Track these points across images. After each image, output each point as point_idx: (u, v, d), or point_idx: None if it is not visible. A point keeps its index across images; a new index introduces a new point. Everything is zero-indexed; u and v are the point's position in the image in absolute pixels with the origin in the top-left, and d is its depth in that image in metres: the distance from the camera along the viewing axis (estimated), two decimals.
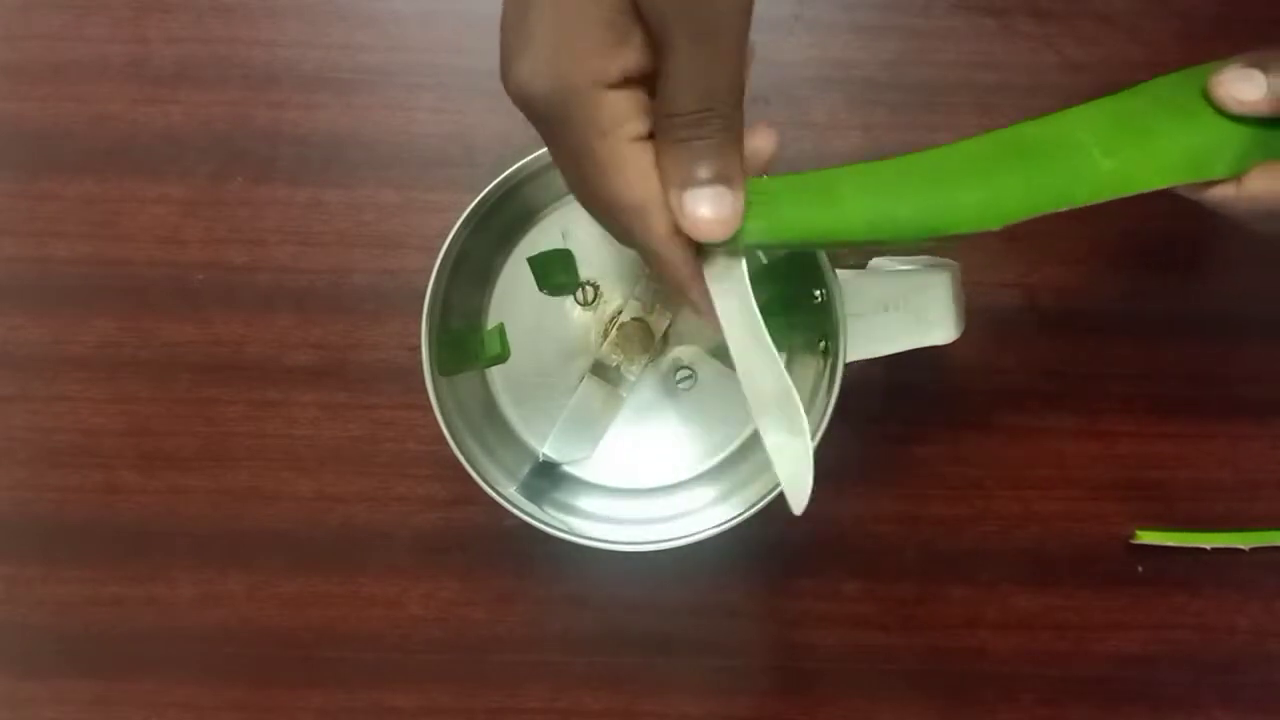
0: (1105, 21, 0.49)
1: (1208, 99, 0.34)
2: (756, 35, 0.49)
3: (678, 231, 0.30)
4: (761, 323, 0.31)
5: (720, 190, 0.29)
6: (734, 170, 0.29)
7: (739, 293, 0.31)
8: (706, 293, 0.31)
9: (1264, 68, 0.33)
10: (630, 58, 0.28)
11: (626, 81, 0.28)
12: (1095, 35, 0.49)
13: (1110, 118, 0.34)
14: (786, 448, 0.32)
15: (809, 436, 0.31)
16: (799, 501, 0.32)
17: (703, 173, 0.28)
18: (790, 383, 0.31)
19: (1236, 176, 0.34)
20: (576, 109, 0.28)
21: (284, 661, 0.49)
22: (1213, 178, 0.34)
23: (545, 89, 0.28)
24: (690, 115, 0.28)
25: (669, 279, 0.31)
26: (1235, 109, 0.33)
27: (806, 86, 0.49)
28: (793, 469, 0.32)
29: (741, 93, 0.28)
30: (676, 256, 0.30)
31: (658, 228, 0.30)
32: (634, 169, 0.29)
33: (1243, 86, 0.33)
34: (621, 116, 0.29)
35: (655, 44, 0.28)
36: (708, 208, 0.29)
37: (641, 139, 0.29)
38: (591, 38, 0.28)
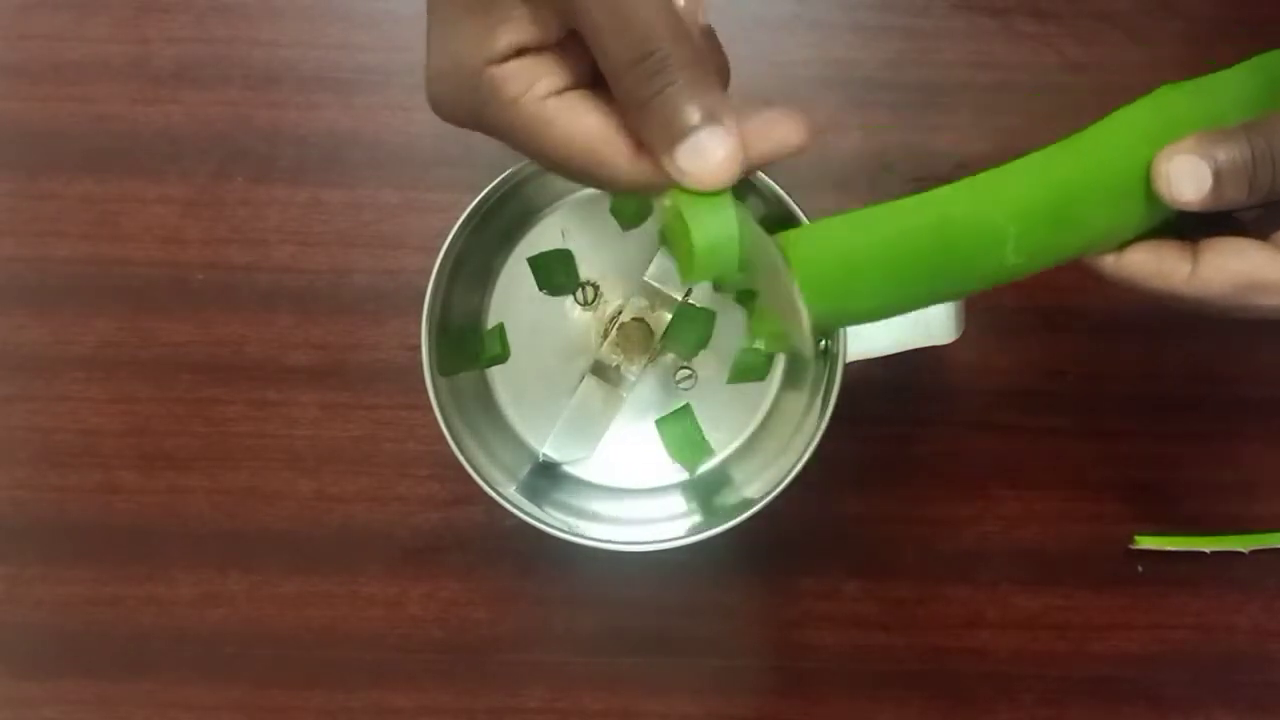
0: (1105, 21, 0.49)
1: (1146, 176, 0.31)
2: (757, 35, 0.49)
3: (637, 155, 0.28)
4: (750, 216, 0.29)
5: (711, 130, 0.26)
6: (715, 105, 0.26)
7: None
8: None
9: (1215, 157, 0.30)
10: (515, 31, 0.28)
11: (520, 53, 0.28)
12: (1095, 35, 0.49)
13: (1045, 198, 0.31)
14: (787, 304, 0.30)
15: (798, 290, 0.29)
16: (806, 344, 0.30)
17: (683, 119, 0.26)
18: (777, 251, 0.29)
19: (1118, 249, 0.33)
20: (479, 91, 0.28)
21: (284, 661, 0.49)
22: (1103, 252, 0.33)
23: (449, 87, 0.29)
24: (635, 68, 0.26)
25: (651, 194, 0.29)
26: (1170, 204, 0.31)
27: (806, 86, 0.49)
28: (793, 314, 0.30)
29: (678, 23, 0.26)
30: (646, 178, 0.28)
31: (616, 160, 0.28)
32: (564, 120, 0.28)
33: (1185, 187, 0.30)
34: (525, 80, 0.28)
35: (569, 20, 0.27)
36: (704, 155, 0.26)
37: (558, 92, 0.28)
38: (467, 27, 0.28)
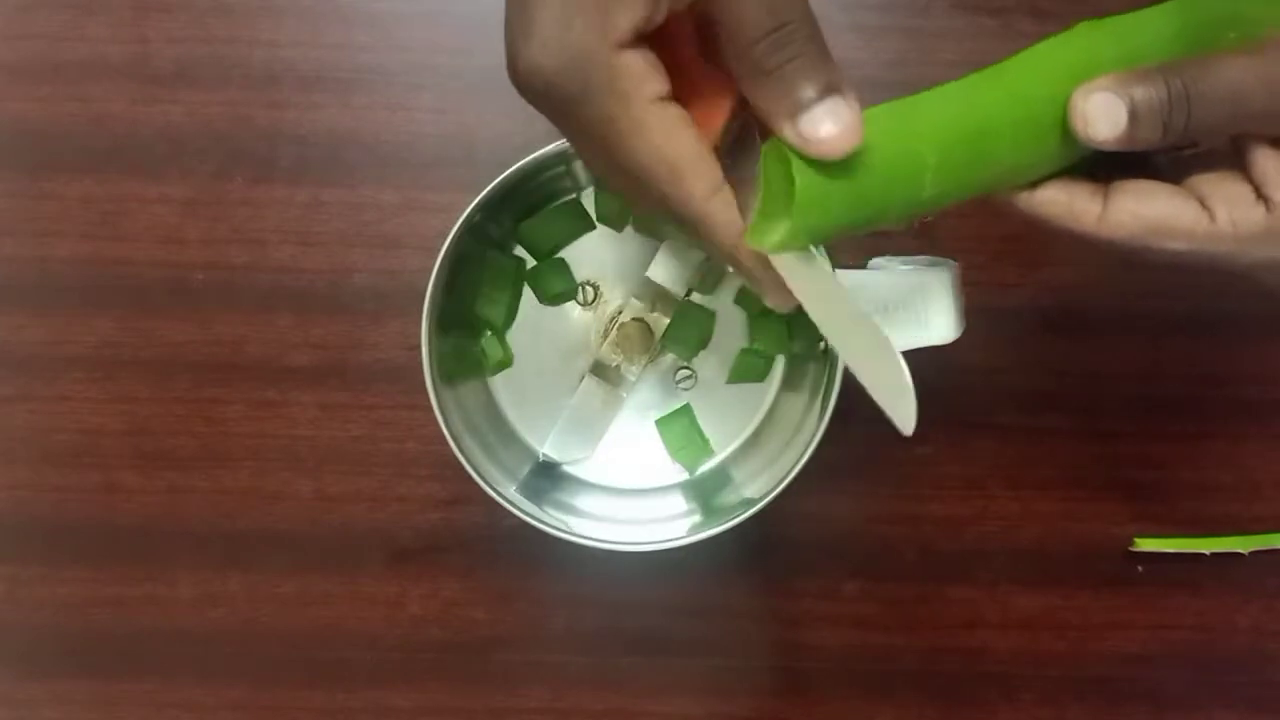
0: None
1: (1062, 112, 0.30)
2: None
3: (718, 191, 0.29)
4: (829, 267, 0.30)
5: (834, 101, 0.27)
6: (837, 77, 0.28)
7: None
8: (756, 253, 0.30)
9: (1131, 95, 0.30)
10: (638, 9, 0.27)
11: (638, 39, 0.28)
12: None
13: (964, 127, 0.30)
14: (883, 379, 0.30)
15: (898, 354, 0.29)
16: (908, 423, 0.30)
17: (808, 91, 0.27)
18: (867, 313, 0.30)
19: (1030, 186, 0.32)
20: (593, 76, 0.27)
21: (284, 661, 0.49)
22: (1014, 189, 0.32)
23: (557, 62, 0.27)
24: (769, 37, 0.27)
25: (716, 244, 0.30)
26: (1084, 142, 0.30)
27: None
28: (894, 395, 0.30)
29: None
30: (721, 218, 0.29)
31: (696, 188, 0.28)
32: (661, 130, 0.28)
33: (1100, 125, 0.30)
34: (639, 77, 0.28)
35: None
36: (829, 124, 0.27)
37: (663, 99, 0.28)
38: (596, 5, 0.27)
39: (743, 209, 0.30)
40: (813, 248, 0.30)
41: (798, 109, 0.27)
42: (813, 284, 0.30)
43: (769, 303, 0.31)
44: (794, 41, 0.27)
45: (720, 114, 0.30)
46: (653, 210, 0.30)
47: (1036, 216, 0.32)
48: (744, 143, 0.31)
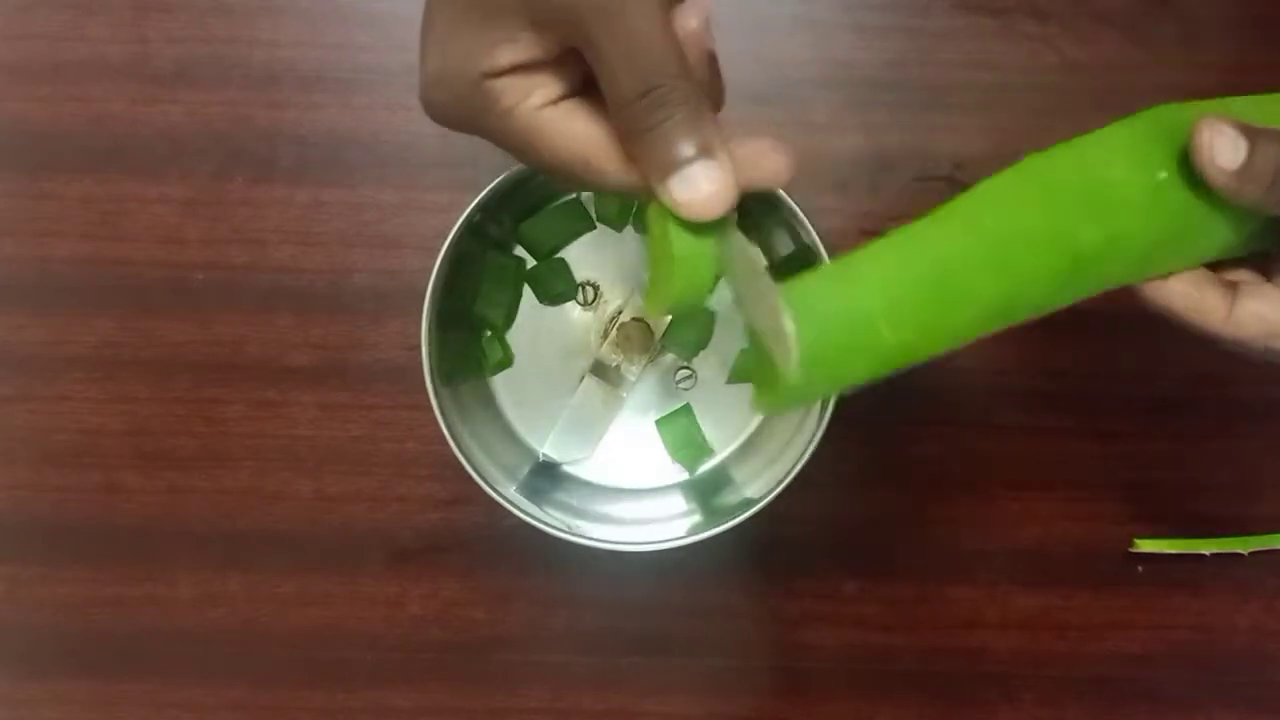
0: (1105, 21, 0.49)
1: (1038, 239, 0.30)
2: (759, 36, 0.49)
3: (626, 162, 0.29)
4: (746, 241, 0.29)
5: (705, 164, 0.27)
6: (710, 139, 0.27)
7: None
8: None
9: (1252, 140, 0.30)
10: (515, 53, 0.28)
11: (517, 69, 0.29)
12: (1095, 35, 0.49)
13: (917, 273, 0.30)
14: (769, 322, 0.29)
15: (784, 304, 0.28)
16: (788, 362, 0.29)
17: (680, 152, 0.27)
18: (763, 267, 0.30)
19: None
20: (476, 101, 0.29)
21: (284, 661, 0.49)
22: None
23: (444, 98, 0.30)
24: (639, 100, 0.27)
25: (647, 196, 0.30)
26: (1202, 169, 0.30)
27: (807, 86, 0.49)
28: (777, 335, 0.29)
29: (682, 58, 0.28)
30: (638, 181, 0.29)
31: (608, 167, 0.29)
32: (554, 129, 0.29)
33: (1224, 153, 0.30)
34: (520, 92, 0.29)
35: (575, 43, 0.28)
36: (696, 186, 0.27)
37: (553, 102, 0.29)
38: (466, 38, 0.29)
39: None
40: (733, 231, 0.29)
41: (668, 169, 0.27)
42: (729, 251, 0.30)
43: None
44: (668, 102, 0.27)
45: None
46: (587, 189, 0.31)
47: (1163, 308, 0.33)
48: None
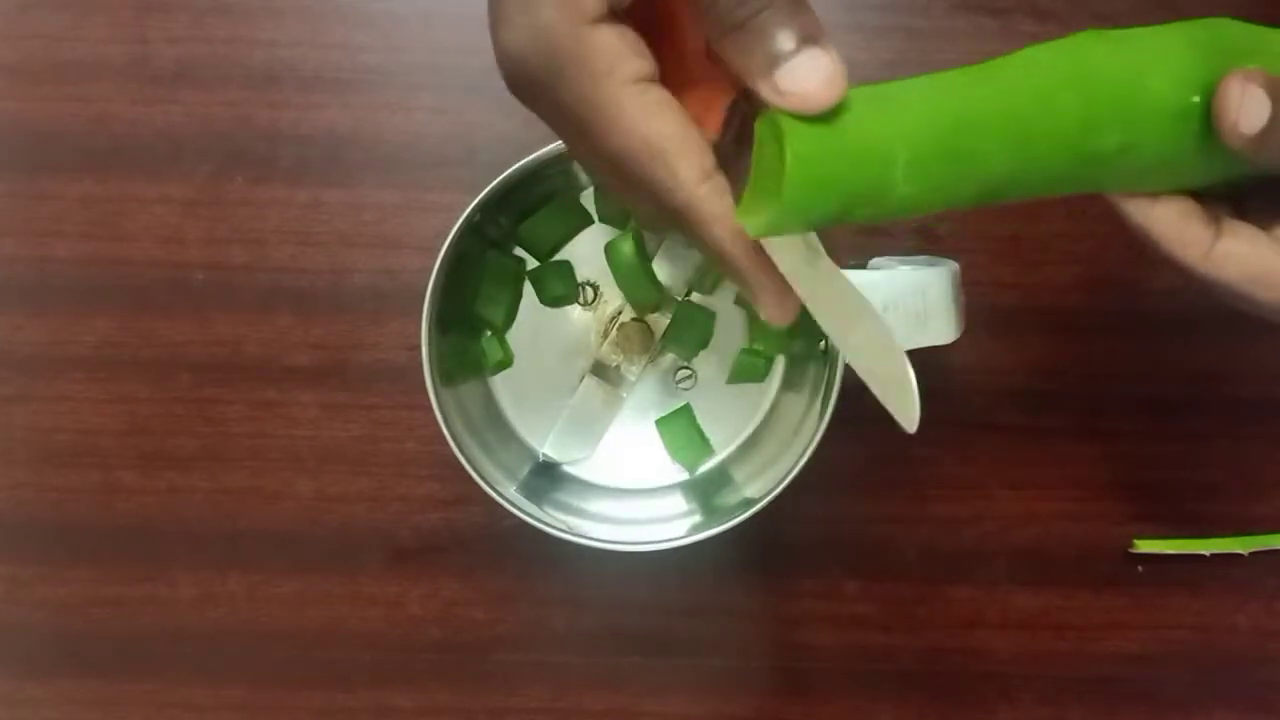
0: (1105, 21, 0.49)
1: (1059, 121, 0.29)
2: None
3: (708, 177, 0.27)
4: (828, 259, 0.28)
5: (812, 52, 0.25)
6: (814, 27, 0.25)
7: (795, 238, 0.28)
8: (752, 249, 0.28)
9: (1277, 100, 0.28)
10: None
11: (612, 15, 0.27)
12: None
13: (940, 124, 0.28)
14: (884, 374, 0.29)
15: (901, 350, 0.28)
16: (911, 420, 0.28)
17: (783, 43, 0.25)
18: (872, 306, 0.29)
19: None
20: (565, 56, 0.26)
21: (284, 661, 0.49)
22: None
23: (526, 43, 0.27)
24: None
25: (706, 236, 0.27)
26: (1224, 131, 0.28)
27: None
28: (897, 391, 0.29)
29: None
30: (711, 207, 0.27)
31: (682, 172, 0.27)
32: (640, 110, 0.26)
33: (1253, 115, 0.28)
34: (615, 55, 0.26)
35: None
36: (807, 75, 0.25)
37: (644, 80, 0.27)
38: None
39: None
40: (813, 238, 0.28)
41: (773, 62, 0.25)
42: (812, 275, 0.28)
43: (763, 310, 0.29)
44: None
45: (718, 109, 0.29)
46: (641, 202, 0.28)
47: (1145, 232, 0.31)
48: (745, 141, 0.29)
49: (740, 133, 0.29)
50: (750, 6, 0.25)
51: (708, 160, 0.27)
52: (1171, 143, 0.30)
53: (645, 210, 0.29)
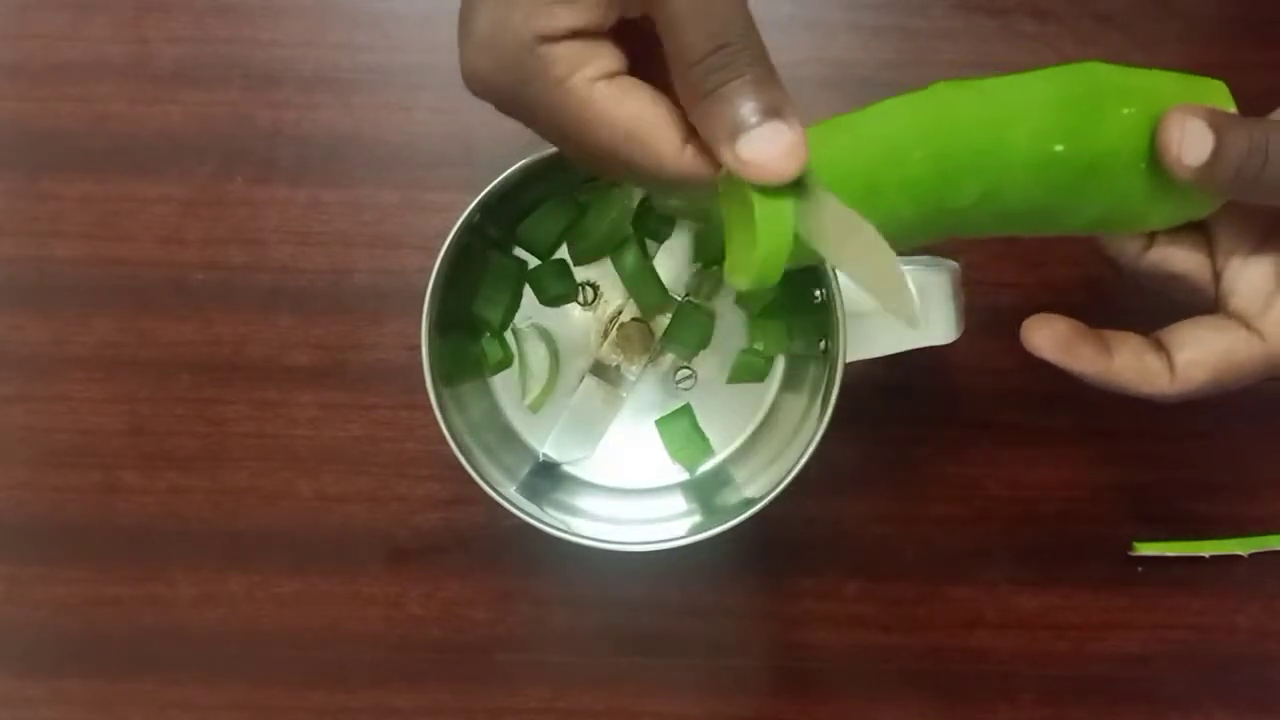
0: (1105, 21, 0.49)
1: (1151, 149, 0.30)
2: None
3: (688, 141, 0.28)
4: (839, 202, 0.27)
5: (774, 125, 0.26)
6: (780, 100, 0.27)
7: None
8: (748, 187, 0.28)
9: (1220, 131, 0.30)
10: (576, 15, 0.27)
11: (576, 34, 0.27)
12: (1095, 35, 0.49)
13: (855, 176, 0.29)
14: (878, 274, 0.28)
15: (893, 254, 0.27)
16: (911, 314, 0.27)
17: (748, 114, 0.26)
18: (862, 218, 0.28)
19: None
20: (528, 70, 0.27)
21: (284, 661, 0.49)
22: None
23: (492, 61, 0.28)
24: (708, 59, 0.26)
25: (699, 194, 0.29)
26: (1171, 165, 0.30)
27: (805, 87, 0.49)
28: (892, 288, 0.28)
29: (749, 17, 0.27)
30: (699, 170, 0.28)
31: (663, 146, 0.28)
32: (609, 100, 0.28)
33: (1194, 149, 0.30)
34: (576, 61, 0.27)
35: (640, 2, 0.27)
36: (767, 147, 0.26)
37: (609, 76, 0.28)
38: (525, 2, 0.27)
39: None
40: (819, 188, 0.28)
41: (736, 131, 0.26)
42: (807, 203, 0.28)
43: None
44: (734, 63, 0.26)
45: None
46: (639, 180, 0.29)
47: (1109, 384, 0.34)
48: None
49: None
50: (720, 77, 0.26)
51: (679, 130, 0.28)
52: (1034, 193, 0.31)
53: (644, 185, 0.30)
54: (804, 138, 0.27)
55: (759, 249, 0.27)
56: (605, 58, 0.28)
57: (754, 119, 0.26)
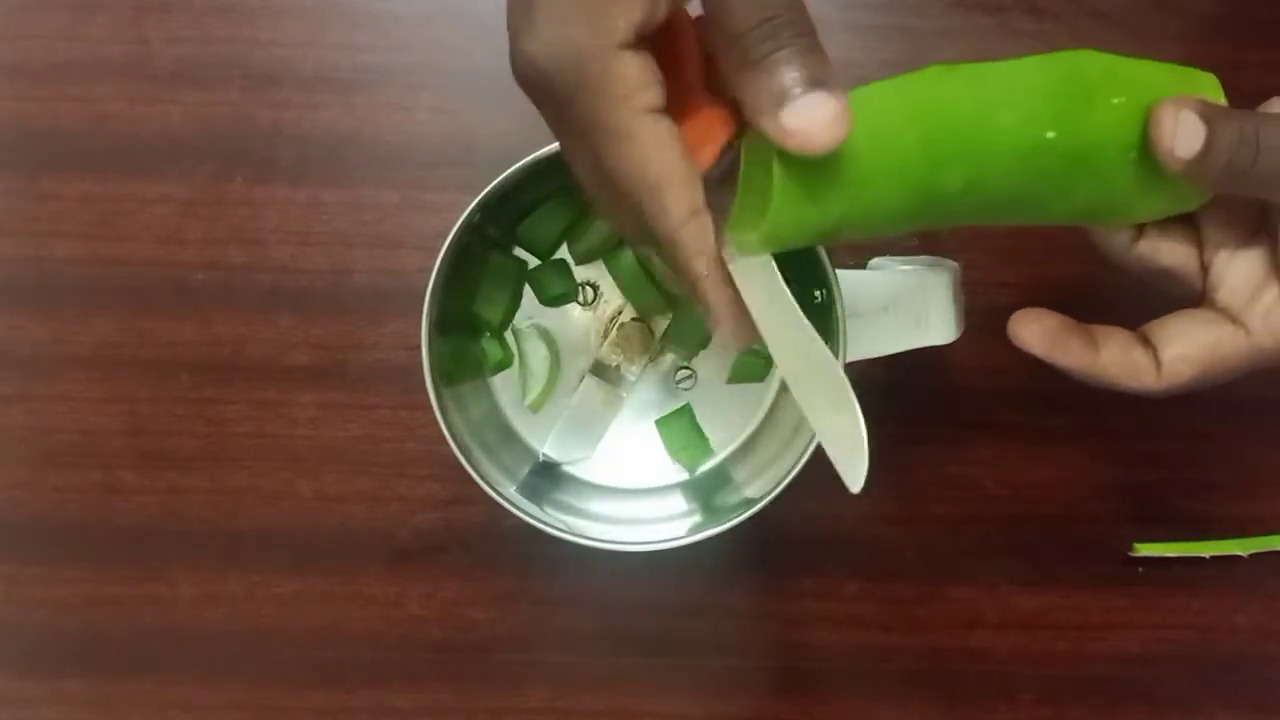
0: (1103, 20, 0.49)
1: (1143, 139, 0.30)
2: None
3: (696, 214, 0.28)
4: (795, 303, 0.29)
5: (820, 95, 0.26)
6: (825, 71, 0.27)
7: (765, 276, 0.29)
8: (723, 283, 0.29)
9: (1212, 123, 0.30)
10: (635, 9, 0.27)
11: (638, 41, 0.27)
12: (1093, 34, 0.49)
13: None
14: (834, 426, 0.30)
15: (858, 409, 0.29)
16: (856, 479, 0.30)
17: (792, 83, 0.26)
18: (831, 356, 0.30)
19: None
20: (588, 74, 0.27)
21: (284, 661, 0.49)
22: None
23: (554, 57, 0.27)
24: (756, 29, 0.26)
25: (684, 269, 0.29)
26: (1163, 157, 0.30)
27: None
28: (845, 446, 0.30)
29: None
30: (694, 244, 0.28)
31: (674, 207, 0.28)
32: (648, 141, 0.27)
33: (1186, 141, 0.30)
34: (635, 83, 0.27)
35: None
36: (810, 116, 0.26)
37: (656, 111, 0.28)
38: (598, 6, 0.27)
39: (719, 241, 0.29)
40: (776, 270, 0.29)
41: (780, 101, 0.26)
42: (772, 310, 0.29)
43: (717, 335, 0.30)
44: (781, 33, 0.26)
45: (714, 144, 0.29)
46: (626, 223, 0.30)
47: (1097, 379, 0.35)
48: (730, 179, 0.30)
49: (727, 173, 0.30)
50: (767, 47, 0.26)
51: (698, 197, 0.28)
52: (1025, 179, 0.30)
53: (625, 225, 0.30)
54: (848, 109, 0.26)
55: (770, 214, 0.27)
56: (657, 89, 0.28)
57: (799, 89, 0.26)
